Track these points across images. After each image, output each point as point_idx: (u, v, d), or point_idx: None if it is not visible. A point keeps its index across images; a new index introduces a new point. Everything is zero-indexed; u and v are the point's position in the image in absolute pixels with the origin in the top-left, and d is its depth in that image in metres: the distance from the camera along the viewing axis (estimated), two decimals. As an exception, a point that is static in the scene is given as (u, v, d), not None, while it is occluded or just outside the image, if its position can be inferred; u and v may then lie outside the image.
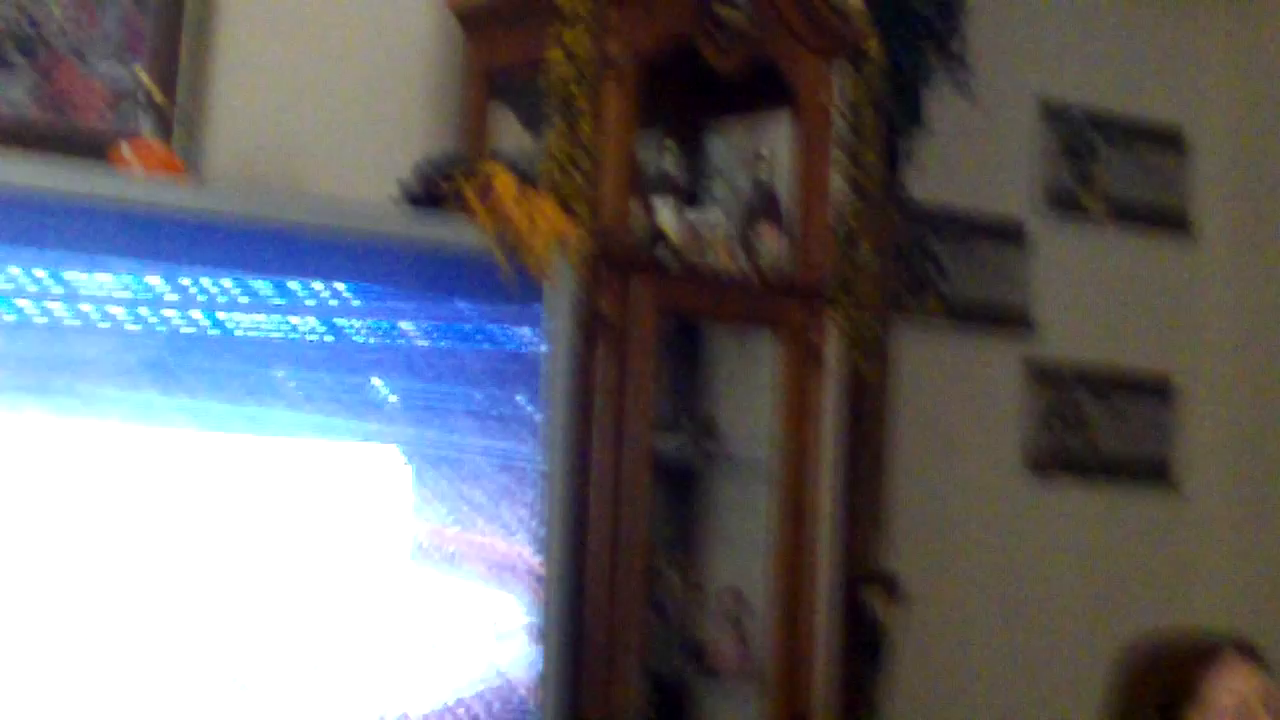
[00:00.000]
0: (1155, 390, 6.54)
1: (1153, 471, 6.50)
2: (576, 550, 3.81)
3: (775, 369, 4.29)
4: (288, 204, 3.60)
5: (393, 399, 3.58)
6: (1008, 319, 6.23)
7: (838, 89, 4.39)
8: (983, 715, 5.99)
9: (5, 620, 3.19)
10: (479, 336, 3.70)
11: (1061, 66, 6.43)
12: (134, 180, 3.49)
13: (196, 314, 3.39)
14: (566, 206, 3.80)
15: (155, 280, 3.34)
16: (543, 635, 3.67)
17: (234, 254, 3.42)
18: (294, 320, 3.49)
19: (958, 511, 6.03)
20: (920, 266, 6.06)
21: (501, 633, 3.66)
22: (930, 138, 5.66)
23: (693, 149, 4.50)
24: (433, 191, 3.80)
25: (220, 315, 3.41)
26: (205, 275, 3.39)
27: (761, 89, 4.38)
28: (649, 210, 4.13)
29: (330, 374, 3.52)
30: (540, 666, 3.66)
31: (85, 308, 3.27)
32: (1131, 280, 6.53)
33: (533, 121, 4.22)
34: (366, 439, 3.55)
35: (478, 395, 3.67)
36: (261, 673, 3.41)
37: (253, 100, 4.15)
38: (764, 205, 4.32)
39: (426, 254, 3.66)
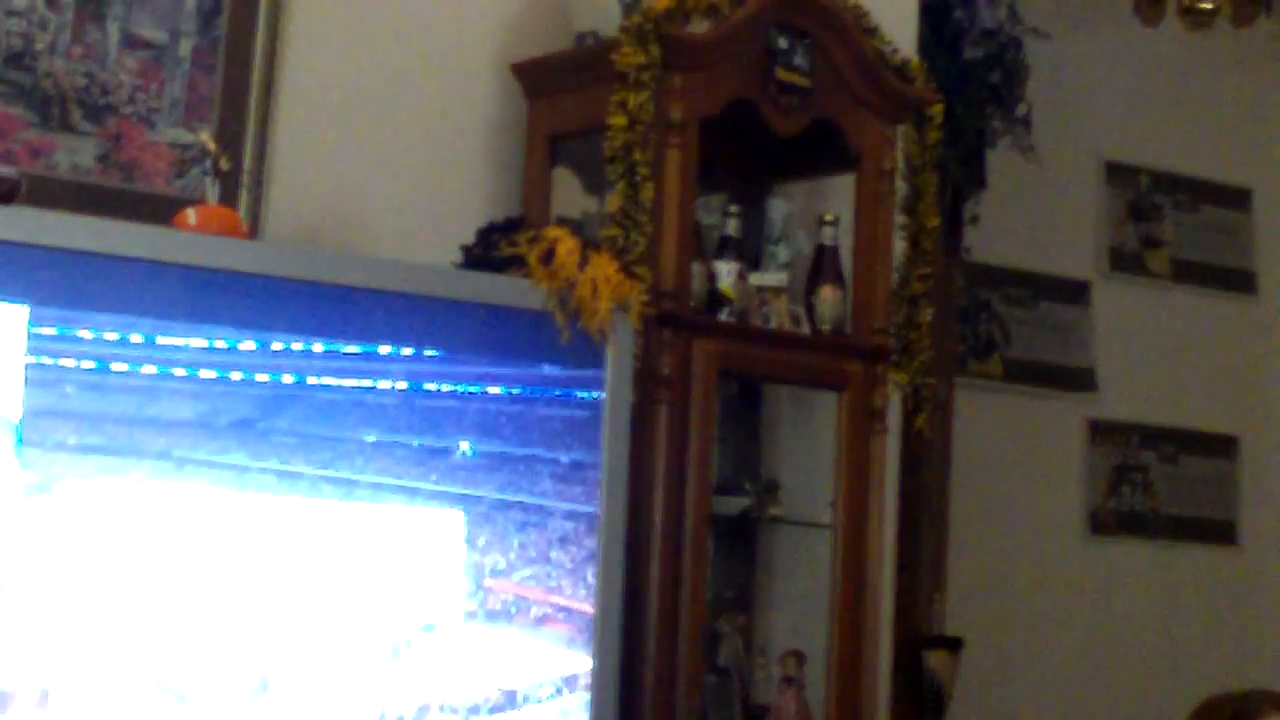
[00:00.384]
0: (1219, 450, 6.51)
1: (1217, 532, 6.47)
2: (633, 609, 3.83)
3: (837, 430, 4.29)
4: (351, 266, 3.64)
5: (467, 457, 3.64)
6: (1070, 379, 6.23)
7: (900, 151, 4.40)
8: (1045, 777, 5.97)
9: (93, 668, 3.26)
10: (547, 398, 3.74)
11: (1125, 127, 6.44)
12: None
13: (287, 378, 3.48)
14: (628, 269, 3.82)
15: (249, 345, 3.44)
16: (591, 689, 3.71)
17: (296, 316, 3.48)
18: (371, 383, 3.57)
19: (1019, 572, 6.02)
20: (983, 327, 6.06)
21: (566, 689, 3.71)
22: (993, 199, 5.67)
23: (754, 211, 4.52)
24: (495, 255, 3.83)
25: (309, 379, 3.50)
26: (278, 339, 3.46)
27: (823, 151, 4.39)
28: (710, 272, 4.14)
29: (408, 434, 3.59)
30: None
31: (179, 371, 3.37)
32: (1195, 340, 6.51)
33: (594, 185, 4.25)
34: (437, 498, 3.62)
35: (546, 455, 3.72)
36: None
37: (317, 165, 4.18)
38: (825, 267, 4.33)
39: (489, 317, 3.69)
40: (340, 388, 3.55)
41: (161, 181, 4.00)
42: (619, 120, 3.92)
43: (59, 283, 3.25)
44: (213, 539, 3.39)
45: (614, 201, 3.91)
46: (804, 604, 4.41)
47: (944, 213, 5.11)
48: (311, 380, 3.51)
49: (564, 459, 3.75)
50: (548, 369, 3.74)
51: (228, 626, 3.39)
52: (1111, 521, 6.26)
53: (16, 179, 3.41)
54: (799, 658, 4.32)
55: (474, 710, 3.62)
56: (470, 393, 3.68)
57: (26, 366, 3.21)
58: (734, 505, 4.34)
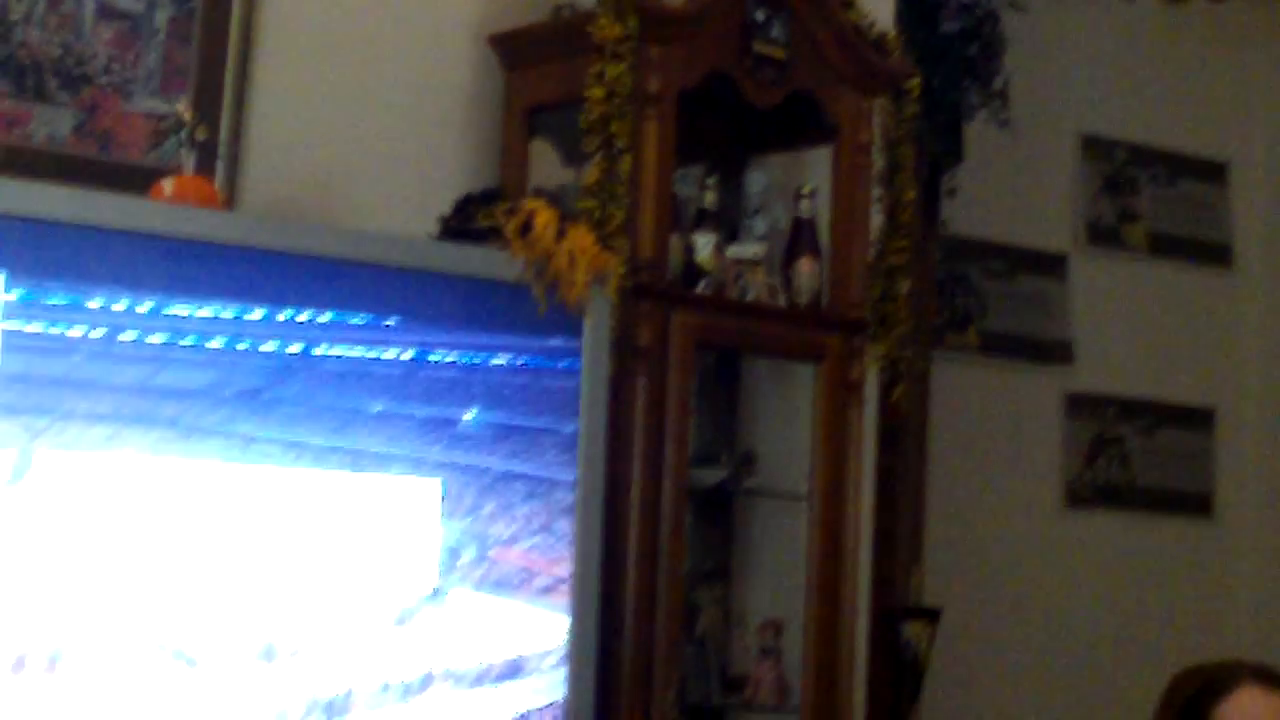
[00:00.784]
0: (1196, 423, 6.53)
1: (1192, 503, 6.49)
2: (610, 580, 3.84)
3: (814, 402, 4.30)
4: (329, 237, 3.64)
5: (458, 425, 3.69)
6: (1048, 352, 6.24)
7: (877, 123, 4.40)
8: (1021, 748, 5.99)
9: (92, 640, 3.30)
10: (530, 367, 3.76)
11: (1102, 101, 6.44)
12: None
13: (294, 347, 3.52)
14: (605, 241, 3.82)
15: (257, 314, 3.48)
16: (568, 661, 3.73)
17: (272, 286, 3.50)
18: (371, 353, 3.62)
19: (996, 543, 6.03)
20: (960, 300, 6.07)
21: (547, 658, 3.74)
22: (971, 171, 5.68)
23: (732, 183, 4.52)
24: (473, 226, 3.83)
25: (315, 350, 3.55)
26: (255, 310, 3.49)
27: (801, 124, 4.39)
28: (688, 244, 4.15)
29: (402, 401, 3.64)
30: (566, 694, 3.72)
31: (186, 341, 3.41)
32: (1172, 313, 6.53)
33: (572, 156, 4.25)
34: (420, 466, 3.66)
35: (524, 424, 3.75)
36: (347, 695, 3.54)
37: (293, 135, 4.18)
38: (803, 239, 4.34)
39: (466, 287, 3.70)
40: (339, 358, 3.59)
41: (137, 152, 3.99)
42: (597, 92, 3.92)
43: (35, 253, 3.26)
44: (218, 509, 3.44)
45: (591, 173, 3.91)
46: (781, 575, 4.42)
47: (921, 185, 5.11)
48: (293, 350, 3.53)
49: (537, 425, 3.76)
50: (527, 340, 3.75)
51: (234, 594, 3.44)
52: (1088, 493, 6.28)
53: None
54: (777, 628, 4.34)
55: (478, 679, 3.66)
56: (473, 364, 3.70)
57: (2, 332, 3.22)
58: (711, 477, 4.34)
